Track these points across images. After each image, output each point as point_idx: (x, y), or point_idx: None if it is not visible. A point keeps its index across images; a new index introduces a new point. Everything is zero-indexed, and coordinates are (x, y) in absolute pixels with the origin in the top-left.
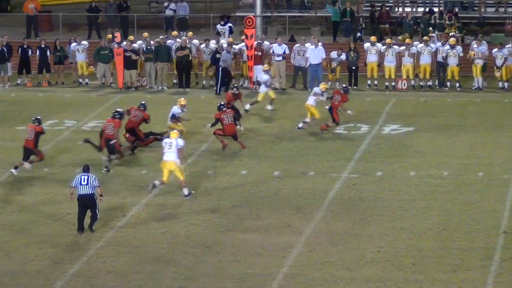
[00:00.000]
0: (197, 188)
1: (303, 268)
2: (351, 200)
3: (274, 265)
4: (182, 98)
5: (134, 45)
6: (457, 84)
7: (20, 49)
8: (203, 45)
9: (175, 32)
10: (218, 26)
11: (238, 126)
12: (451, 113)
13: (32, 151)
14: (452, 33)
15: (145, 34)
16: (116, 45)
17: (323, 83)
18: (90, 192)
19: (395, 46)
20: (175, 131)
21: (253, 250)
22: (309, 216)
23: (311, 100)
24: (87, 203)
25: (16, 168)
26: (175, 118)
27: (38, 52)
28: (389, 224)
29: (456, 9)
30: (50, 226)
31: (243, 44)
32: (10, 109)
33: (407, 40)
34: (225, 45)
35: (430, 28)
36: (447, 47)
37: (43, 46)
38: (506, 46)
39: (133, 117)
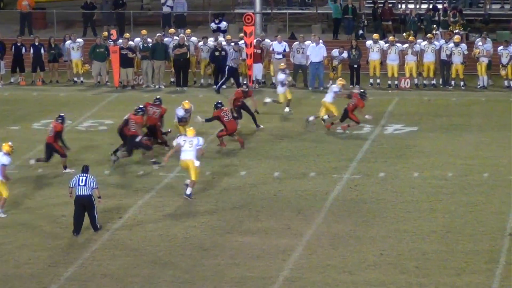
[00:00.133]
0: (195, 189)
1: (303, 272)
2: (353, 201)
3: (274, 268)
4: (187, 101)
5: (131, 42)
6: (462, 83)
7: (13, 46)
8: (201, 43)
9: (173, 29)
10: (212, 25)
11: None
12: (455, 113)
13: (53, 148)
14: (457, 31)
15: (144, 31)
16: (112, 42)
17: (340, 78)
18: (88, 194)
19: (398, 44)
20: (191, 128)
21: (252, 253)
22: (310, 218)
23: (328, 97)
24: (84, 204)
25: (38, 160)
26: (181, 121)
27: (32, 50)
28: (392, 226)
29: (461, 6)
30: (44, 228)
31: (242, 41)
32: (3, 108)
33: (411, 38)
34: (224, 43)
35: (434, 26)
36: (451, 45)
37: (37, 43)
38: None
39: (151, 113)
